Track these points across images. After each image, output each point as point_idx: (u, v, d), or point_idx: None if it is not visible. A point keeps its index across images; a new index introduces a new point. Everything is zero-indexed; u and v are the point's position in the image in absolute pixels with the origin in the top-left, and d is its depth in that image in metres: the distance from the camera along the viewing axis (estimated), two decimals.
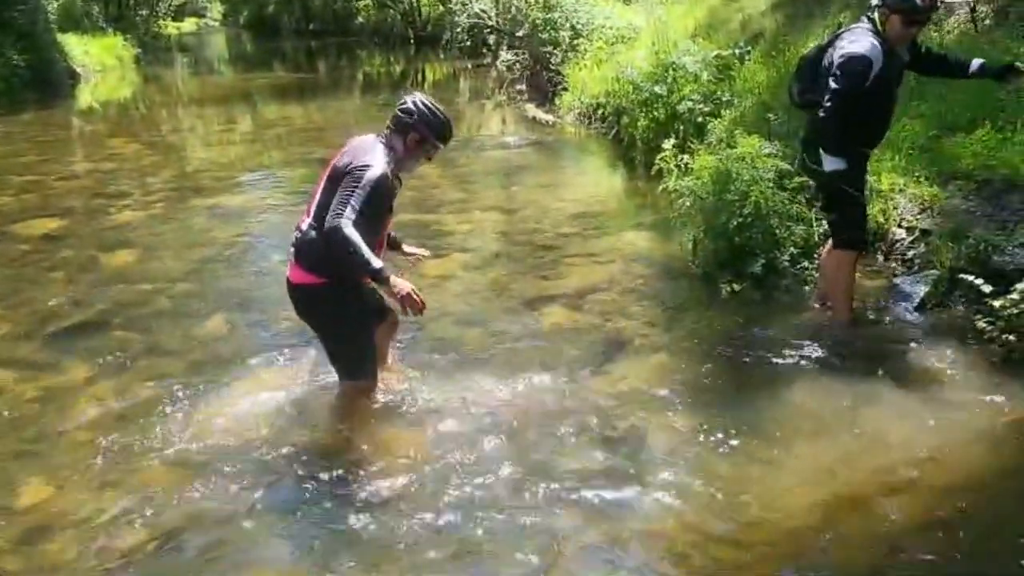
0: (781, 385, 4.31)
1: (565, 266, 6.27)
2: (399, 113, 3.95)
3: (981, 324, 4.55)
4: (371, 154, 3.81)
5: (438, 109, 3.97)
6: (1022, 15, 7.28)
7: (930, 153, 5.98)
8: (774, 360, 4.55)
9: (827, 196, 4.79)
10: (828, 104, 4.34)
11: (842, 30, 4.62)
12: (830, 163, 4.49)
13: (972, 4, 7.88)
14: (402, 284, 3.65)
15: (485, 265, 6.35)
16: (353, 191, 3.67)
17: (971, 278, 4.58)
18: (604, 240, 6.84)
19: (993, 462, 3.62)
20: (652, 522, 3.35)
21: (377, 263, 3.63)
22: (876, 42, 4.34)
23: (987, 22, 7.76)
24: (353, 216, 3.62)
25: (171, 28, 44.60)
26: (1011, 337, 4.37)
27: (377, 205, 3.75)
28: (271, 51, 31.28)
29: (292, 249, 3.96)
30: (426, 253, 4.52)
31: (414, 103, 3.94)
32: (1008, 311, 4.39)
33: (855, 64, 4.31)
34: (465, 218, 7.67)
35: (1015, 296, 4.39)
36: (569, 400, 4.27)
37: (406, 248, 4.38)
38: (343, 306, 3.92)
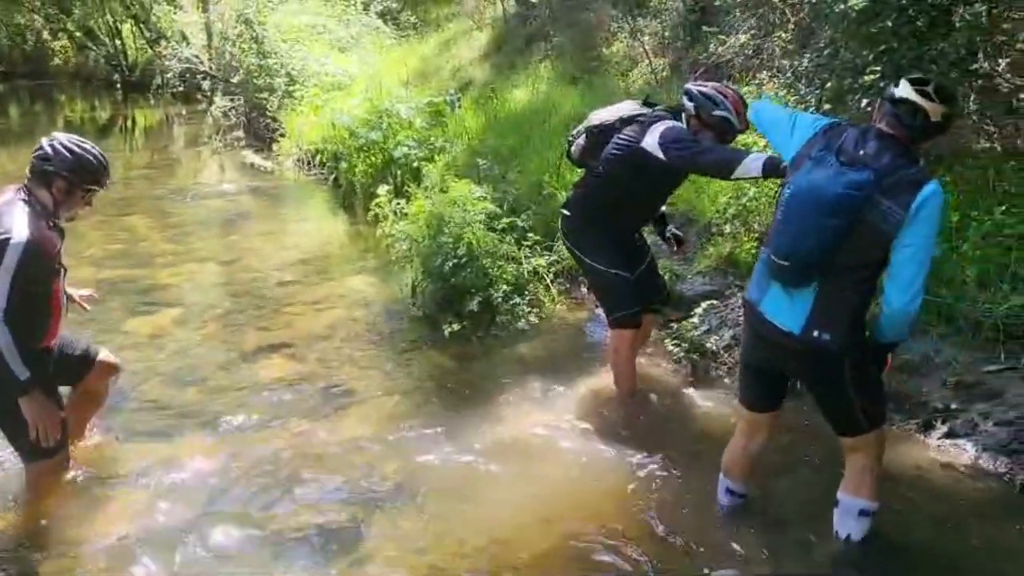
0: (499, 416, 4.49)
1: (286, 315, 6.14)
2: (35, 160, 3.47)
3: (670, 346, 5.02)
4: (7, 219, 3.31)
5: (85, 148, 3.52)
6: (688, 68, 8.20)
7: None
8: (492, 393, 4.73)
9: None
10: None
11: (644, 111, 4.16)
12: None
13: (650, 58, 8.78)
14: (34, 413, 3.36)
15: (200, 320, 6.08)
16: None
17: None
18: (326, 286, 6.79)
19: (685, 460, 3.96)
20: (364, 564, 3.37)
21: (23, 374, 3.27)
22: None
23: (664, 73, 8.67)
24: (4, 305, 3.22)
25: None
26: (695, 356, 4.86)
27: (34, 275, 3.35)
28: None
29: None
30: (93, 295, 4.09)
31: (51, 146, 3.47)
32: (690, 333, 4.89)
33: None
34: (178, 271, 7.29)
35: (695, 320, 4.90)
36: (286, 452, 4.19)
37: (73, 295, 3.93)
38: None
